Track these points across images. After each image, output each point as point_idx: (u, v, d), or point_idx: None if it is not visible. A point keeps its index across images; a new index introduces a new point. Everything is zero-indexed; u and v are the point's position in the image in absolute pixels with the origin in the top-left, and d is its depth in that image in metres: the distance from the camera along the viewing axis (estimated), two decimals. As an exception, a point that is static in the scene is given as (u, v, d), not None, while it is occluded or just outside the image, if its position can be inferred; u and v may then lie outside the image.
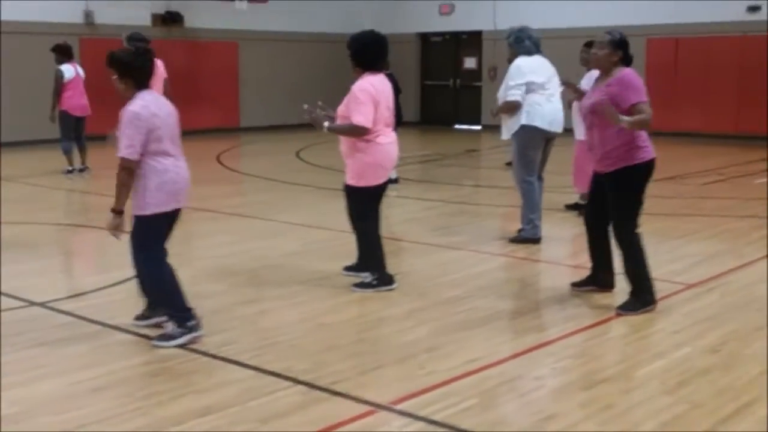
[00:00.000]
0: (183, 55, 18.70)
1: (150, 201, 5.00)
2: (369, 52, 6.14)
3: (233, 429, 3.94)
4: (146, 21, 18.43)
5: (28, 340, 5.19)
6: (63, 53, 12.35)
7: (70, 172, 12.46)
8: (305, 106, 6.03)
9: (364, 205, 6.29)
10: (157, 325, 5.27)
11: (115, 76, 5.05)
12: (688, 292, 6.23)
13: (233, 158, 15.58)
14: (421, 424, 3.99)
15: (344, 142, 6.21)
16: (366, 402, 4.24)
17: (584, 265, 6.44)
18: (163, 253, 5.19)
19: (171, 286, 5.16)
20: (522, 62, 7.74)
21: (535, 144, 7.78)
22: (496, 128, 6.88)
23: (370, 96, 5.99)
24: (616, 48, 5.72)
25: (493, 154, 15.61)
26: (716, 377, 4.56)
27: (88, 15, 17.54)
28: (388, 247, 6.52)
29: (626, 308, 5.69)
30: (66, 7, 17.29)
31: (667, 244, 7.82)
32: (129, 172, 4.94)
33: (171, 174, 5.04)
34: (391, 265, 6.45)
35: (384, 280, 6.32)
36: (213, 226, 8.91)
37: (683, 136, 17.25)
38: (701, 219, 9.12)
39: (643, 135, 5.72)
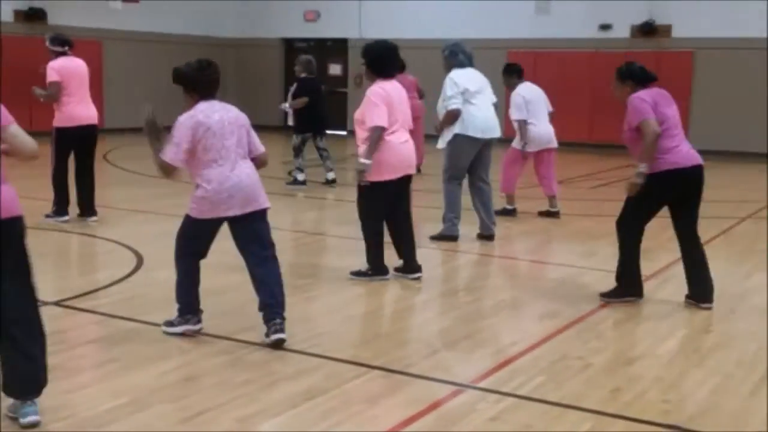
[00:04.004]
0: (45, 53, 18.05)
1: (194, 206, 5.12)
2: (383, 60, 6.56)
3: (350, 410, 4.19)
4: (8, 17, 17.69)
5: (71, 338, 5.17)
6: None
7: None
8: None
9: (372, 199, 6.59)
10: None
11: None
12: (650, 282, 6.95)
13: (126, 159, 15.17)
14: (512, 399, 4.40)
15: (362, 146, 6.47)
16: (449, 382, 4.60)
17: (542, 260, 7.06)
18: (192, 251, 5.27)
19: (186, 282, 5.28)
20: (455, 74, 8.26)
21: (466, 152, 8.28)
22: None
23: (382, 98, 6.37)
24: (623, 80, 6.17)
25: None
26: (726, 353, 5.24)
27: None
28: (343, 245, 6.85)
29: (610, 296, 6.32)
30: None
31: (599, 242, 8.58)
32: (163, 171, 5.04)
33: (214, 185, 5.02)
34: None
35: (378, 270, 6.69)
36: (170, 228, 8.88)
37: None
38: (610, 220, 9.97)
39: (663, 146, 6.01)
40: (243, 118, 5.23)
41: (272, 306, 5.16)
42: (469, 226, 8.58)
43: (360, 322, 5.79)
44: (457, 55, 8.35)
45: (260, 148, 5.30)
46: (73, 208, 8.90)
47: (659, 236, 9.18)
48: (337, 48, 21.82)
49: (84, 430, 3.86)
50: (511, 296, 6.51)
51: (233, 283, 6.26)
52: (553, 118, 10.01)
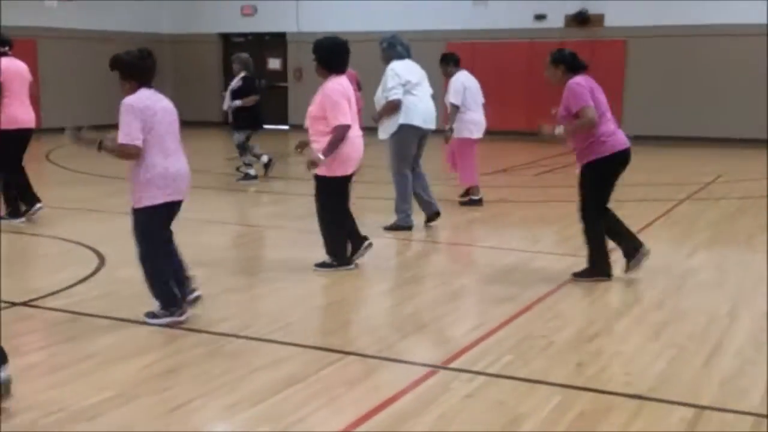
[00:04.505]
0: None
1: (142, 195, 5.31)
2: (334, 55, 6.70)
3: (330, 394, 4.36)
4: (-61, 16, 17.32)
5: (46, 337, 5.24)
6: None
7: None
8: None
9: (331, 193, 6.78)
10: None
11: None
12: (601, 263, 7.24)
13: (67, 158, 15.02)
14: (483, 378, 4.61)
15: (320, 141, 6.62)
16: (423, 364, 4.80)
17: (495, 246, 7.30)
18: (160, 242, 5.44)
19: (162, 276, 5.44)
20: (396, 65, 8.46)
21: (411, 141, 8.52)
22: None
23: (342, 95, 6.55)
24: (556, 65, 6.50)
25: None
26: (678, 327, 5.53)
27: None
28: (303, 238, 7.01)
29: (582, 275, 6.63)
30: None
31: (549, 227, 8.88)
32: (129, 157, 5.25)
33: (158, 169, 5.29)
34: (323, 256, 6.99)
35: (343, 261, 6.86)
36: (120, 226, 8.91)
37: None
38: (562, 205, 10.32)
39: (607, 131, 6.41)
40: (174, 110, 5.52)
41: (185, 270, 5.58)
42: (419, 215, 8.79)
43: (328, 311, 5.97)
44: (395, 46, 8.57)
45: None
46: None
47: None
48: (275, 42, 21.85)
49: (75, 424, 3.95)
50: (470, 282, 6.73)
51: (205, 275, 6.35)
52: (486, 110, 10.27)
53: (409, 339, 5.34)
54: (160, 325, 5.38)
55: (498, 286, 6.56)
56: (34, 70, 19.04)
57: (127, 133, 5.18)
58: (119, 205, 9.12)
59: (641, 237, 7.53)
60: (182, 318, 5.44)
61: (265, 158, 12.28)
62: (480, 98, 10.14)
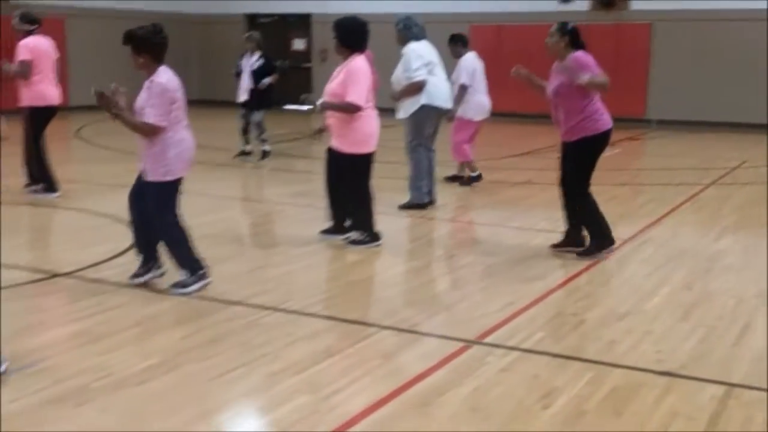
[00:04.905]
0: (8, 32, 17.92)
1: (169, 169, 5.48)
2: (355, 35, 6.87)
3: (367, 365, 4.48)
4: (-29, -7, 17.50)
5: (90, 307, 5.37)
6: None
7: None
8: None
9: (357, 170, 6.93)
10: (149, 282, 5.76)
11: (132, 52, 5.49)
12: (628, 246, 7.31)
13: (96, 135, 15.18)
14: (517, 353, 4.72)
15: (335, 116, 6.78)
16: (457, 339, 4.91)
17: (522, 227, 7.41)
18: (175, 212, 5.66)
19: (184, 242, 5.66)
20: (416, 46, 8.59)
21: (430, 121, 8.67)
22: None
23: (366, 76, 6.68)
24: (563, 34, 6.63)
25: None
26: (708, 308, 5.61)
27: None
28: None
29: (586, 253, 6.74)
30: None
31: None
32: (149, 135, 5.44)
33: (187, 143, 5.56)
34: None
35: (374, 236, 7.01)
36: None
37: (508, 116, 18.79)
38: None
39: (599, 110, 6.69)
40: None
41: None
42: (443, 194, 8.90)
43: (361, 286, 6.10)
44: (410, 27, 8.69)
45: None
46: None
47: (632, 201, 9.65)
48: (300, 23, 21.89)
49: (124, 389, 4.09)
50: (499, 261, 6.81)
51: (236, 251, 6.50)
52: (504, 92, 10.34)
53: (442, 314, 5.46)
54: (193, 292, 5.53)
55: (527, 265, 6.65)
56: (62, 48, 19.27)
57: (159, 114, 5.35)
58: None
59: (668, 220, 7.63)
60: (209, 279, 5.64)
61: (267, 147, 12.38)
62: (484, 80, 10.26)
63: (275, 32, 22.31)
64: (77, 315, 5.19)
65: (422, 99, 8.45)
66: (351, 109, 6.70)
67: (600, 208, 6.83)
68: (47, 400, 3.93)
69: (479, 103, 10.05)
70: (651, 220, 8.35)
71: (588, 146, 6.69)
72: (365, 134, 6.84)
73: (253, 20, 22.53)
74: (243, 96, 12.11)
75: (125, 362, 4.41)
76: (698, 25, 17.99)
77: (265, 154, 12.19)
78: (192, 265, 5.66)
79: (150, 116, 5.36)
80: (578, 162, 6.74)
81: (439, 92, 8.54)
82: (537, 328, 5.14)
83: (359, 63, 6.74)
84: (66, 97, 19.62)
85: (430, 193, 8.82)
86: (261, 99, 12.08)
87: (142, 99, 5.45)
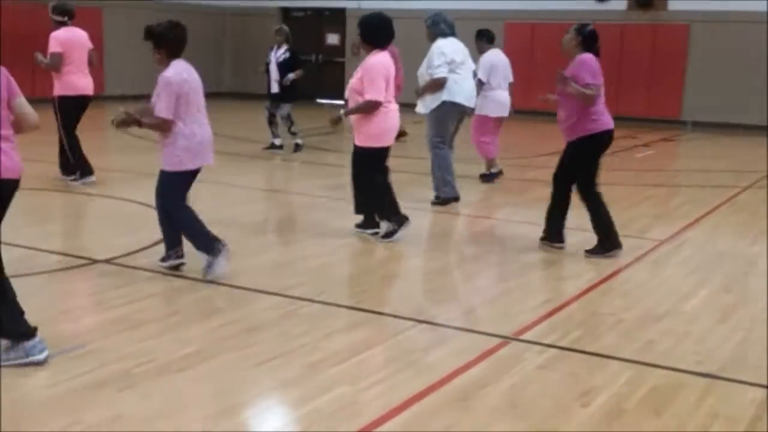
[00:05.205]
0: (42, 22, 18.12)
1: (177, 160, 5.61)
2: (377, 31, 6.91)
3: (406, 359, 4.48)
4: (6, -16, 17.70)
5: (129, 294, 5.42)
6: None
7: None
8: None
9: (373, 163, 7.03)
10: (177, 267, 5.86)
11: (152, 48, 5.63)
12: (664, 246, 7.27)
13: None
14: (555, 350, 4.71)
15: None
16: (494, 335, 4.90)
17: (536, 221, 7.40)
18: (182, 200, 5.78)
19: (192, 226, 5.76)
20: (442, 43, 8.62)
21: (452, 118, 8.72)
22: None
23: (382, 72, 6.75)
24: (578, 34, 6.64)
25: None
26: (747, 311, 5.57)
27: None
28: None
29: (593, 252, 6.78)
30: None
31: (612, 207, 8.89)
32: (165, 130, 5.56)
33: (198, 137, 5.64)
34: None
35: (400, 221, 7.05)
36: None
37: (542, 115, 18.68)
38: (622, 188, 10.33)
39: (598, 110, 6.63)
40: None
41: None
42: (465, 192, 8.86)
43: (397, 281, 6.13)
44: (438, 24, 8.72)
45: None
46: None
47: (667, 203, 9.59)
48: (334, 17, 21.92)
49: (166, 374, 4.13)
50: (535, 259, 6.79)
51: (271, 242, 6.53)
52: (512, 88, 10.30)
53: (478, 310, 5.46)
54: (220, 272, 5.64)
55: (561, 264, 6.64)
56: (99, 38, 19.52)
57: (165, 107, 5.49)
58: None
59: (705, 222, 7.56)
60: (227, 254, 5.71)
61: (299, 140, 12.45)
62: (510, 77, 10.24)
63: (309, 26, 22.37)
64: (116, 302, 5.23)
65: (443, 96, 8.50)
66: (371, 107, 6.76)
67: (607, 211, 6.82)
68: (90, 384, 3.97)
69: (496, 99, 10.03)
70: (687, 221, 8.29)
71: (585, 146, 6.69)
72: (381, 129, 6.89)
73: (287, 14, 22.60)
74: (273, 88, 12.17)
75: (165, 349, 4.45)
76: (736, 26, 17.80)
77: (297, 147, 12.24)
78: (210, 246, 5.70)
79: (157, 109, 5.53)
80: (571, 160, 6.79)
81: (460, 90, 8.58)
82: (574, 326, 5.12)
83: (377, 59, 6.79)
84: (101, 87, 19.97)
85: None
86: (287, 93, 12.13)
87: (154, 93, 5.61)
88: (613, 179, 10.98)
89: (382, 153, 7.04)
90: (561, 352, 4.69)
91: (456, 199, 8.73)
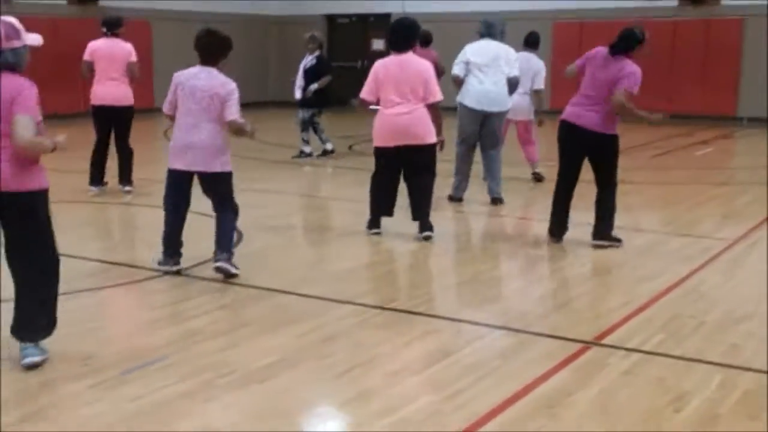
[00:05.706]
0: (97, 35, 18.31)
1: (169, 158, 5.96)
2: (391, 35, 7.10)
3: (487, 366, 4.39)
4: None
5: (202, 305, 5.40)
6: None
7: None
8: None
9: (377, 161, 7.21)
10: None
11: None
12: (737, 247, 7.10)
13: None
14: (638, 355, 4.59)
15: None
16: (575, 340, 4.80)
17: (623, 226, 7.28)
18: (170, 198, 6.00)
19: (165, 225, 6.07)
20: (468, 45, 8.71)
21: (466, 119, 8.70)
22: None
23: (374, 74, 6.96)
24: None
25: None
26: (832, 310, 5.40)
27: (3, -8, 16.90)
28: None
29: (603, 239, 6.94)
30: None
31: (677, 208, 8.75)
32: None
33: (176, 140, 5.89)
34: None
35: (370, 224, 7.34)
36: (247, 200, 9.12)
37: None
38: (681, 187, 10.17)
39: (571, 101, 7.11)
40: (221, 89, 5.76)
41: (217, 241, 5.99)
42: (511, 195, 8.73)
43: (466, 287, 6.03)
44: (482, 25, 8.81)
45: (229, 116, 5.78)
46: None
47: (734, 201, 9.37)
48: (379, 23, 21.86)
49: (249, 385, 4.09)
50: (606, 261, 6.67)
51: (336, 250, 6.49)
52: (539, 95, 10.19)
53: (556, 314, 5.36)
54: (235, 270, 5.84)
55: (633, 265, 6.51)
56: (147, 51, 19.73)
57: (167, 103, 5.97)
58: (242, 181, 9.33)
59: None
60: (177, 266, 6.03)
61: (329, 146, 12.43)
62: (528, 81, 10.05)
63: (354, 33, 22.40)
64: (189, 313, 5.23)
65: (459, 96, 8.63)
66: (362, 104, 7.08)
67: (564, 199, 7.08)
68: (174, 396, 3.95)
69: (515, 102, 9.88)
70: (758, 220, 8.10)
71: (615, 143, 6.95)
72: (376, 129, 7.05)
73: (332, 21, 22.64)
74: (298, 94, 12.17)
75: (245, 359, 4.42)
76: (791, 20, 17.45)
77: (325, 153, 12.25)
78: (165, 251, 6.00)
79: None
80: (613, 159, 7.02)
81: (469, 93, 8.57)
82: (655, 330, 4.99)
83: (379, 61, 7.03)
84: (151, 100, 20.16)
85: (490, 190, 8.88)
86: (313, 98, 12.08)
87: None
88: (675, 179, 10.84)
89: (380, 152, 7.12)
90: (646, 357, 4.57)
91: (456, 199, 8.80)
